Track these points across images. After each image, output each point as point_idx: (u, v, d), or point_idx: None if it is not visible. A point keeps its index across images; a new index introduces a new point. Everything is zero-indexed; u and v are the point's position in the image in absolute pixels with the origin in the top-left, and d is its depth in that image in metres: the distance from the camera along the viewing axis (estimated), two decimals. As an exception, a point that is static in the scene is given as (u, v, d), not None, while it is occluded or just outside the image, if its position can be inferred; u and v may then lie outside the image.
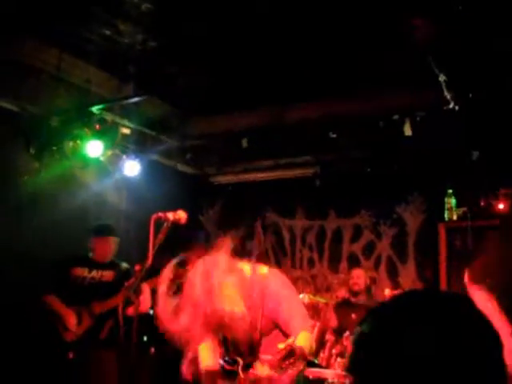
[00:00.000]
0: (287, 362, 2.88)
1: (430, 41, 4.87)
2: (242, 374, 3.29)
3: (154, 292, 5.34)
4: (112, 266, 5.45)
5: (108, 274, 5.39)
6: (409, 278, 6.91)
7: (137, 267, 3.40)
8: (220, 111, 6.93)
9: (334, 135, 6.56)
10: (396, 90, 5.95)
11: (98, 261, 5.41)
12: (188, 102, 6.79)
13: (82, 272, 5.32)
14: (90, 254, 5.44)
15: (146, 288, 4.70)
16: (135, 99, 6.14)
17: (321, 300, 6.36)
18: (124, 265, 5.50)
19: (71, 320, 5.03)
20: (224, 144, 7.32)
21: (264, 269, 3.48)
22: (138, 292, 3.32)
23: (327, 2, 4.68)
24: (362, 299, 6.16)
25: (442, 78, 5.27)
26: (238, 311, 3.19)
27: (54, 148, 6.05)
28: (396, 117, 6.08)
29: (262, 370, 3.18)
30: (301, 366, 3.02)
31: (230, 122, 7.02)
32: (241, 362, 3.34)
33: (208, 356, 3.43)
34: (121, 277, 5.33)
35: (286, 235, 7.83)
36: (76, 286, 5.22)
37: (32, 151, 5.98)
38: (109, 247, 5.44)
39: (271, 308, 3.33)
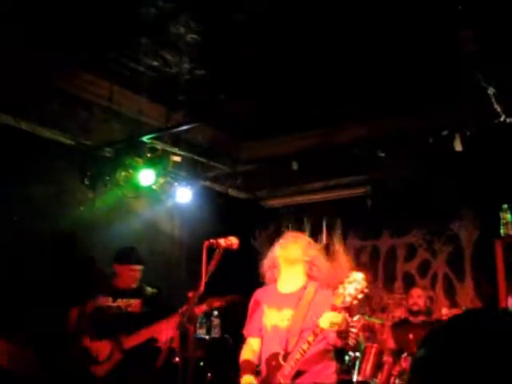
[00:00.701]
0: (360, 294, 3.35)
1: (477, 53, 4.82)
2: (283, 363, 3.53)
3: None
4: (138, 293, 5.08)
5: (135, 303, 5.01)
6: (467, 295, 6.76)
7: (190, 294, 3.43)
8: (269, 135, 6.99)
9: (383, 154, 6.51)
10: (444, 106, 5.90)
11: (122, 288, 5.07)
12: (237, 128, 6.87)
13: (106, 301, 4.98)
14: (113, 281, 5.15)
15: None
16: (185, 127, 6.23)
17: (377, 321, 6.28)
18: (149, 289, 5.18)
19: (101, 354, 4.73)
20: (274, 167, 7.35)
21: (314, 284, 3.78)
22: (191, 319, 3.35)
23: (372, 20, 4.69)
24: (420, 319, 6.05)
25: (490, 91, 5.19)
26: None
27: (108, 178, 6.20)
28: (445, 132, 6.00)
29: (337, 317, 3.34)
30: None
31: (280, 145, 7.07)
32: (281, 352, 3.58)
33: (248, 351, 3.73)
34: (148, 304, 4.99)
35: (340, 256, 7.77)
36: (100, 317, 4.86)
37: (86, 182, 6.14)
38: (133, 276, 5.11)
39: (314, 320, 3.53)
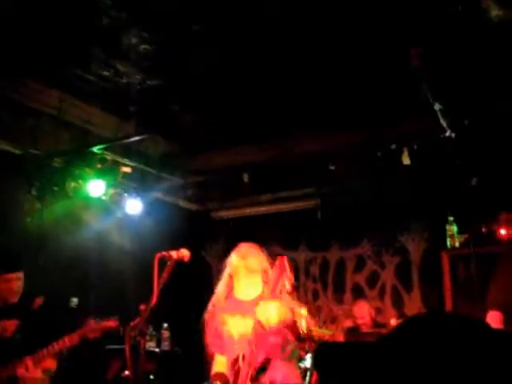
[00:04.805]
0: None
1: (425, 70, 4.95)
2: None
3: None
4: (16, 310, 4.20)
5: (10, 326, 4.14)
6: (414, 306, 6.88)
7: (142, 306, 3.38)
8: (220, 147, 6.99)
9: (333, 167, 6.60)
10: (393, 120, 6.01)
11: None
12: (188, 139, 6.85)
13: None
14: None
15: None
16: (136, 138, 6.19)
17: (326, 332, 6.32)
18: (39, 301, 4.40)
19: None
20: (225, 179, 7.36)
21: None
22: (143, 333, 3.30)
23: (323, 33, 4.76)
24: (369, 331, 6.10)
25: (437, 106, 5.33)
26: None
27: (56, 189, 6.10)
28: (394, 146, 6.13)
29: None
30: None
31: (231, 157, 7.07)
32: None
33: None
34: (26, 326, 4.14)
35: (290, 268, 7.80)
36: None
37: (34, 192, 6.02)
38: (9, 288, 4.21)
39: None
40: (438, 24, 4.53)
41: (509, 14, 4.37)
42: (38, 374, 4.04)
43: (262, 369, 3.50)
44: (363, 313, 6.19)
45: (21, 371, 4.00)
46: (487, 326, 1.11)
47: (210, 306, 3.97)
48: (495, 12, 4.24)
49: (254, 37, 4.81)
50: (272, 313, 3.44)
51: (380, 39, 4.79)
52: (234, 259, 3.89)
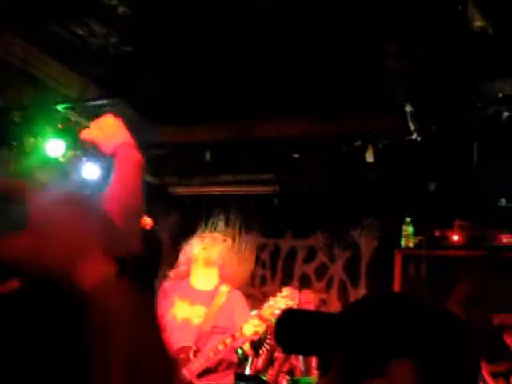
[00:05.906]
0: None
1: (401, 70, 4.98)
2: (192, 358, 3.60)
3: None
4: None
5: None
6: (359, 301, 6.96)
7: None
8: (184, 122, 6.91)
9: (297, 155, 6.60)
10: (361, 116, 6.04)
11: None
12: (153, 110, 6.74)
13: None
14: None
15: None
16: (101, 101, 6.05)
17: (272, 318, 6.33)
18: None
19: None
20: (185, 155, 7.28)
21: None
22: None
23: (296, 23, 4.74)
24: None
25: (408, 108, 5.38)
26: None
27: (13, 143, 5.91)
28: (359, 142, 6.16)
29: (261, 327, 3.62)
30: None
31: (194, 133, 7.01)
32: (193, 347, 3.64)
33: None
34: None
35: (240, 251, 7.80)
36: None
37: (-10, 144, 5.83)
38: None
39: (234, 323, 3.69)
40: (420, 25, 4.56)
41: (489, 26, 4.43)
42: None
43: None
44: (308, 300, 6.21)
45: None
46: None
47: (166, 284, 3.94)
48: (478, 23, 4.29)
49: (230, 14, 4.77)
50: (258, 333, 3.48)
51: (358, 33, 4.80)
52: (195, 248, 3.89)
